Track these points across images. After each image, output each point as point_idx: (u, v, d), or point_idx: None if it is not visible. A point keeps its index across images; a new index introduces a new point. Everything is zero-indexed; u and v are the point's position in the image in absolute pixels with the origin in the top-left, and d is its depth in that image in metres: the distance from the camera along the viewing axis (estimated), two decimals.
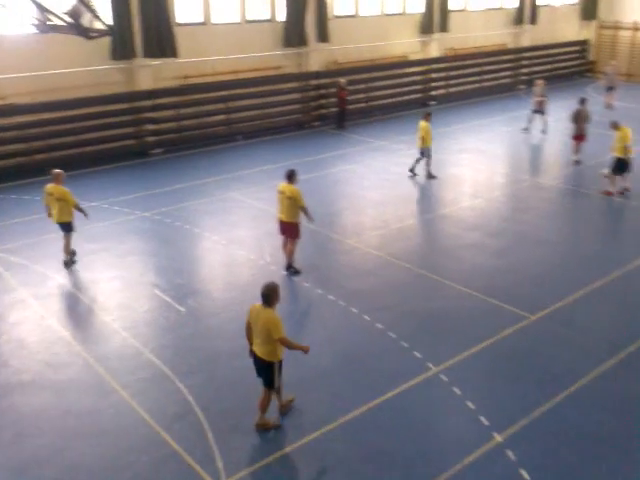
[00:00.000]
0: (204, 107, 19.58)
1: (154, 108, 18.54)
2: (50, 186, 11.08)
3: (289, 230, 11.02)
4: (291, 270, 11.22)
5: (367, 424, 7.47)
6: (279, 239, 12.44)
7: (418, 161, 16.32)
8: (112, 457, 6.97)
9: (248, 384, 8.15)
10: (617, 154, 14.74)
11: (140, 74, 18.27)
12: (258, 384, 7.59)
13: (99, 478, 6.72)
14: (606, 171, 14.97)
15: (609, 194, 14.86)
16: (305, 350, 7.38)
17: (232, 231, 12.99)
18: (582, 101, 17.28)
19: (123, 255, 11.93)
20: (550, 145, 19.55)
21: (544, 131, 20.22)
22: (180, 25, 18.88)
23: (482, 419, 7.54)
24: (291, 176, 10.76)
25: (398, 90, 24.44)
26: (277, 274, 11.15)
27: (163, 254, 12.03)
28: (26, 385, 8.19)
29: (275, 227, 12.99)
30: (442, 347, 8.94)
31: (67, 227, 11.21)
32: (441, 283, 10.81)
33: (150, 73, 18.47)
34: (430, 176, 16.25)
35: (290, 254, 11.16)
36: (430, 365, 8.53)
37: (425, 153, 16.14)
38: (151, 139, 18.66)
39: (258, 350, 7.26)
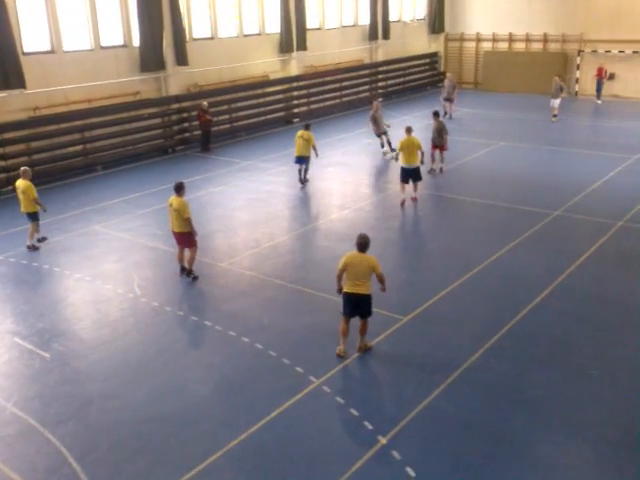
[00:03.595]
0: (58, 139, 18.63)
1: (2, 143, 17.38)
2: (18, 180, 13.04)
3: (184, 240, 11.51)
4: (191, 276, 11.66)
5: (254, 448, 7.33)
6: (148, 269, 12.15)
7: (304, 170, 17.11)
8: None
9: (124, 426, 7.79)
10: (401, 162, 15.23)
11: None
12: (136, 423, 7.18)
13: None
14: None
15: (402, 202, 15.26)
16: (385, 290, 8.99)
17: (97, 266, 12.36)
18: (436, 114, 18.10)
19: None
20: None
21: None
22: (27, 54, 17.92)
23: (366, 424, 7.65)
24: (178, 189, 11.39)
25: (261, 109, 24.59)
26: (148, 306, 10.75)
27: (21, 298, 11.20)
28: None
29: (143, 257, 12.72)
30: (322, 359, 8.97)
31: (32, 217, 13.02)
32: (316, 296, 10.87)
33: None
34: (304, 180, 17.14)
35: (191, 262, 11.62)
36: (312, 378, 8.55)
37: (303, 161, 16.91)
38: (0, 176, 17.45)
39: (360, 289, 8.75)
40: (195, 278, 11.64)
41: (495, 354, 9.07)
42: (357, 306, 8.88)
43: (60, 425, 7.81)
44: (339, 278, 8.95)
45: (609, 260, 12.13)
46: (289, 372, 8.73)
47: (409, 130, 15.56)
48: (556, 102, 24.00)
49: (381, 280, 8.86)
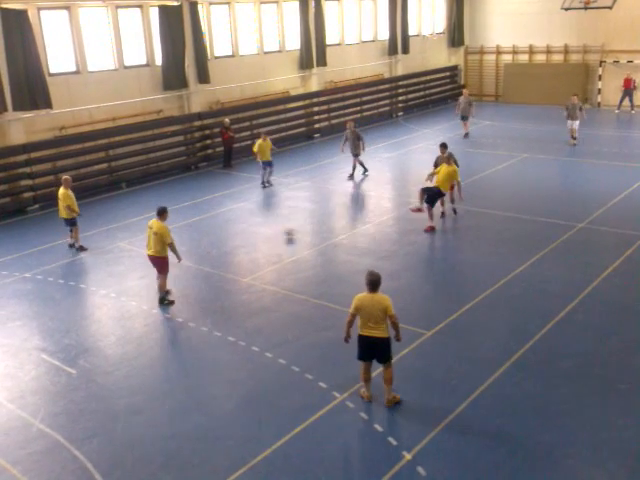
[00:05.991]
0: (83, 157, 18.95)
1: (28, 163, 17.72)
2: (60, 189, 14.10)
3: (157, 264, 11.33)
4: (165, 302, 11.35)
5: (279, 463, 7.31)
6: (172, 285, 12.17)
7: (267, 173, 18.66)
8: None
9: (148, 442, 7.82)
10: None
11: (11, 128, 17.45)
12: (161, 439, 7.20)
13: None
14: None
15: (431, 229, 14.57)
16: (399, 339, 8.21)
17: (121, 282, 12.50)
18: (443, 145, 15.61)
19: (2, 321, 11.13)
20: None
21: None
22: (53, 75, 18.32)
23: (391, 440, 7.60)
24: (161, 213, 11.24)
25: (283, 125, 24.76)
26: (172, 322, 10.83)
27: (48, 315, 11.34)
28: None
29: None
30: (345, 375, 8.92)
31: (69, 222, 14.11)
32: (338, 311, 10.83)
33: (22, 127, 17.69)
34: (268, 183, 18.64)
35: (161, 288, 11.38)
36: (336, 394, 8.52)
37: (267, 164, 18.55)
38: (27, 195, 17.79)
39: (375, 332, 8.03)
40: (171, 302, 11.35)
41: (521, 368, 8.97)
42: (373, 350, 8.17)
43: (86, 441, 7.86)
44: (349, 324, 8.17)
45: (635, 272, 11.94)
46: (313, 387, 8.71)
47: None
48: (575, 124, 22.11)
49: (394, 324, 8.04)
